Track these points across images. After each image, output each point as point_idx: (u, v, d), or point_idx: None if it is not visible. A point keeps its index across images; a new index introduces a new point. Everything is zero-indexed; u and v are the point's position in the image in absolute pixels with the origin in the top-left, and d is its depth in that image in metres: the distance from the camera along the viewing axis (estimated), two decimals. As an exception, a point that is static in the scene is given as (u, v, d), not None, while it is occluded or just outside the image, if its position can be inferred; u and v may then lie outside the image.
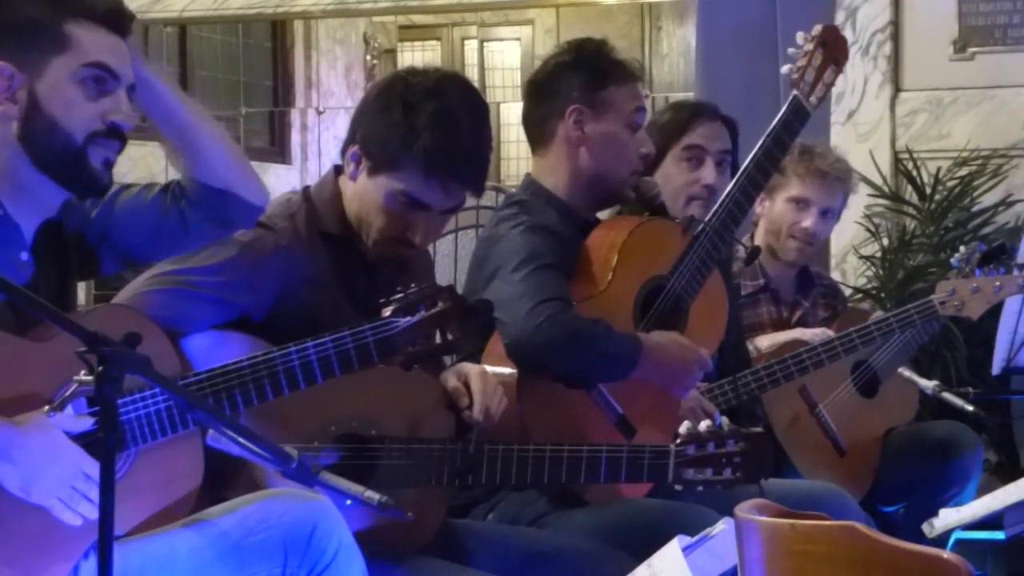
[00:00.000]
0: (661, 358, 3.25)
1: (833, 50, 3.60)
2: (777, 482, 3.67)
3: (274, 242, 2.86)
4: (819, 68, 3.57)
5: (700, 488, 3.01)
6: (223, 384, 2.54)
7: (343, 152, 3.00)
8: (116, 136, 2.53)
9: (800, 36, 3.60)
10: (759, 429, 3.05)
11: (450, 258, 5.95)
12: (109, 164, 2.54)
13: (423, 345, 2.67)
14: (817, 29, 3.62)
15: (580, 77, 3.42)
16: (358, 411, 2.79)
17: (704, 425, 3.00)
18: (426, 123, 2.89)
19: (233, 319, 2.82)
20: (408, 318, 2.65)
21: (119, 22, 2.56)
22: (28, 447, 2.31)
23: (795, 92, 3.54)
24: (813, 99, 3.56)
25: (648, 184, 3.45)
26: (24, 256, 2.53)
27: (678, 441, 2.98)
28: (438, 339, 2.68)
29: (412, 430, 2.85)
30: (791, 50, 3.59)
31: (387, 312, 2.66)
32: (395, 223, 2.93)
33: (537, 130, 3.48)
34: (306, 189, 3.03)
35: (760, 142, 3.51)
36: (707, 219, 3.45)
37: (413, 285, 2.70)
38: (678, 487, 3.00)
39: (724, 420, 3.02)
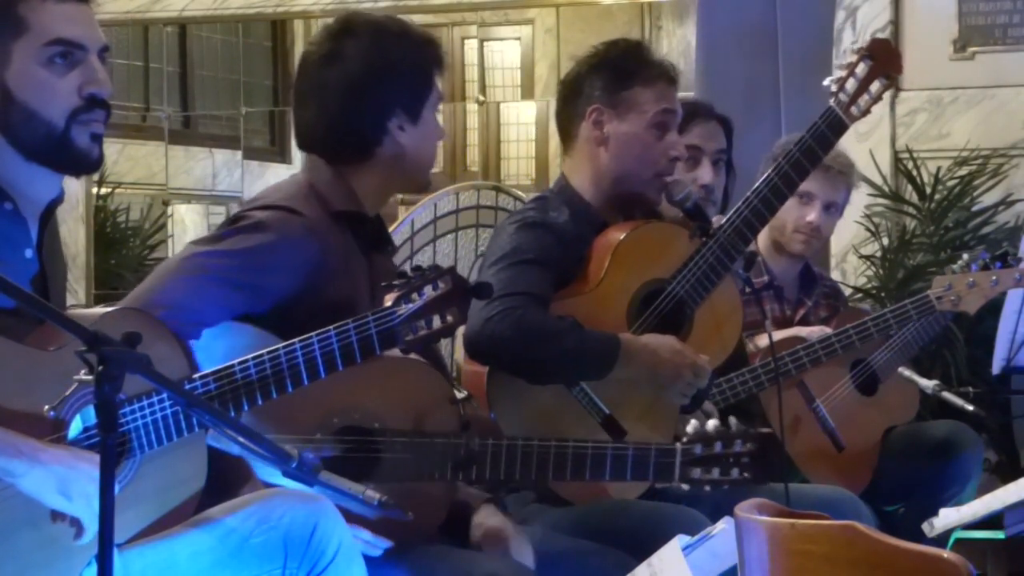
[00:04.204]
0: (648, 360, 3.23)
1: (882, 63, 3.52)
2: (790, 486, 3.67)
3: (302, 224, 2.84)
4: (863, 80, 3.49)
5: (707, 488, 2.98)
6: (228, 385, 2.53)
7: (357, 142, 2.96)
8: (98, 106, 2.48)
9: (850, 50, 3.54)
10: (768, 430, 3.03)
11: (450, 257, 5.95)
12: (96, 137, 2.49)
13: (423, 331, 2.66)
14: (866, 41, 3.58)
15: (603, 77, 3.43)
16: (360, 404, 2.79)
17: (712, 424, 2.98)
18: (419, 41, 3.00)
19: (263, 308, 2.79)
20: (410, 305, 2.64)
21: None
22: (51, 451, 2.29)
23: (831, 103, 3.48)
24: (855, 111, 3.48)
25: (678, 186, 3.43)
26: (29, 253, 2.51)
27: (685, 440, 2.97)
28: (438, 323, 2.67)
29: (415, 424, 2.84)
30: (836, 62, 3.55)
31: (390, 300, 2.65)
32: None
33: (564, 130, 3.50)
34: (302, 176, 3.00)
35: (787, 151, 3.48)
36: (719, 226, 3.42)
37: (417, 268, 2.69)
38: (684, 486, 2.98)
39: (733, 420, 3.01)
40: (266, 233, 2.81)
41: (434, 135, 3.04)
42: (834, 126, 3.48)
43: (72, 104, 2.46)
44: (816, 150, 3.47)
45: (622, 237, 3.35)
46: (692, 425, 2.99)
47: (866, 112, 3.52)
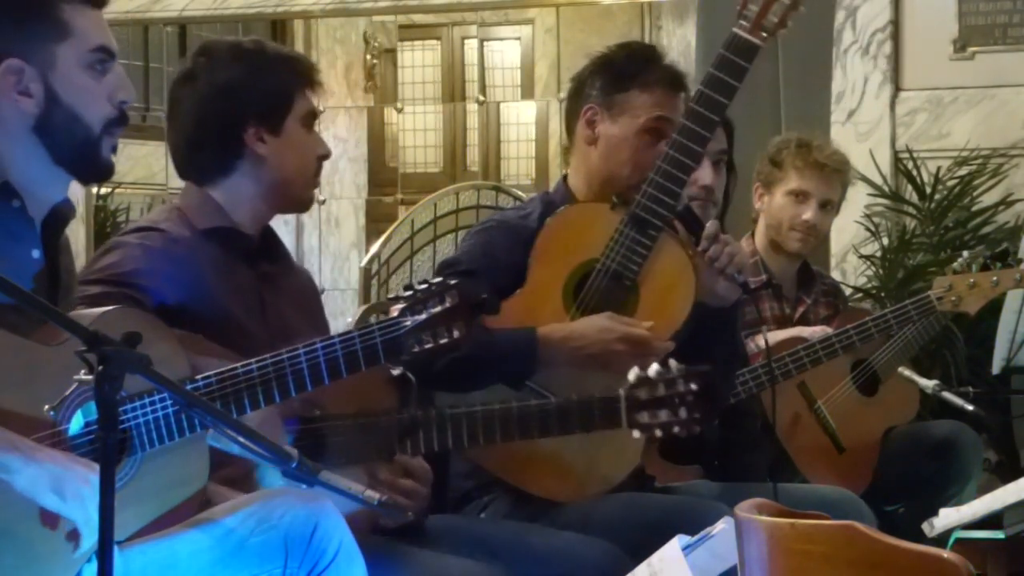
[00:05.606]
0: (574, 344, 3.19)
1: None
2: (792, 487, 3.66)
3: (162, 237, 2.91)
4: None
5: (658, 432, 2.96)
6: (231, 387, 2.53)
7: (213, 155, 3.00)
8: (126, 118, 2.55)
9: None
10: (707, 367, 3.00)
11: (450, 258, 5.95)
12: (115, 149, 2.56)
13: (429, 344, 2.67)
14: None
15: (603, 77, 3.40)
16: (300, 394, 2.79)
17: (653, 369, 2.96)
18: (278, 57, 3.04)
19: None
20: (415, 317, 2.65)
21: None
22: (48, 451, 2.30)
23: (733, 28, 3.21)
24: (767, 24, 3.21)
25: None
26: (36, 253, 2.52)
27: (627, 386, 2.95)
28: (444, 337, 2.68)
29: (356, 405, 2.84)
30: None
31: (395, 311, 2.66)
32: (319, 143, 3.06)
33: (567, 127, 3.49)
34: (170, 202, 3.09)
35: (696, 90, 3.26)
36: (641, 188, 3.26)
37: (424, 282, 2.70)
38: (635, 433, 2.96)
39: (672, 361, 2.98)
40: (125, 248, 2.90)
41: (306, 148, 3.03)
42: (739, 49, 3.21)
43: (107, 112, 2.52)
44: (724, 79, 3.21)
45: (542, 228, 3.32)
46: (634, 372, 2.97)
47: (782, 24, 3.24)
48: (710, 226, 3.33)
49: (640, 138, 3.35)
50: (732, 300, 3.38)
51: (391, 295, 2.71)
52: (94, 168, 2.56)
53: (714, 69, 3.22)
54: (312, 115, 3.05)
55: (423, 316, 2.64)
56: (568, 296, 3.29)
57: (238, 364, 2.55)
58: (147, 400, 2.43)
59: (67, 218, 2.62)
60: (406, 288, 2.70)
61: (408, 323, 2.64)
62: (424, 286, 2.68)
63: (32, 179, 2.51)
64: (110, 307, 2.51)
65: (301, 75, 3.04)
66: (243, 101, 2.98)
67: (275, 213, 3.09)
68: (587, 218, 3.34)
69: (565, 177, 3.50)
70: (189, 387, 2.48)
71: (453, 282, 2.68)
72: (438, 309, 2.65)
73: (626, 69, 3.40)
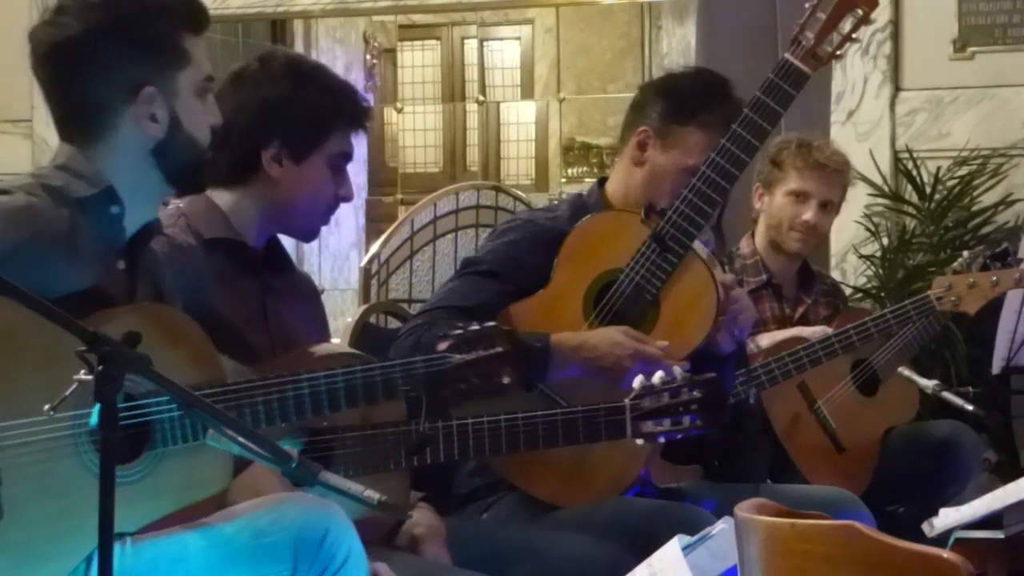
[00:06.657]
0: (586, 355, 3.17)
1: None
2: (792, 487, 3.65)
3: (167, 242, 2.88)
4: (827, 20, 3.18)
5: (662, 439, 2.97)
6: (262, 398, 2.55)
7: (228, 161, 2.94)
8: (215, 136, 2.65)
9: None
10: (712, 375, 3.00)
11: (450, 257, 5.96)
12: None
13: (474, 385, 2.68)
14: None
15: (665, 102, 3.37)
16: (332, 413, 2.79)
17: (657, 376, 2.96)
18: (330, 86, 2.98)
19: None
20: (462, 356, 2.66)
21: (207, 26, 2.65)
22: None
23: (786, 54, 3.21)
24: (821, 53, 3.20)
25: (703, 232, 3.37)
26: (121, 264, 2.57)
27: (632, 396, 2.95)
28: (490, 381, 2.69)
29: (364, 418, 2.84)
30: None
31: (443, 346, 2.66)
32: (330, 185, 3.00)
33: (621, 135, 3.46)
34: (176, 207, 3.05)
35: (741, 116, 3.23)
36: (671, 204, 3.26)
37: (476, 324, 2.71)
38: (639, 441, 2.96)
39: (676, 369, 2.98)
40: None
41: (324, 186, 2.98)
42: (788, 76, 3.20)
43: (208, 135, 2.62)
44: (771, 106, 3.20)
45: (569, 232, 3.31)
46: (638, 380, 2.97)
47: (834, 55, 3.22)
48: (725, 278, 3.31)
49: (685, 176, 3.28)
50: (726, 352, 3.37)
51: (440, 334, 2.72)
52: (198, 185, 2.71)
53: (761, 93, 3.21)
54: (344, 156, 2.98)
55: (470, 356, 2.66)
56: (589, 303, 3.28)
57: (271, 375, 2.57)
58: None
59: (153, 237, 2.68)
60: (456, 327, 2.72)
61: (455, 360, 2.65)
62: (475, 327, 2.69)
63: (136, 195, 2.58)
64: (135, 305, 2.53)
65: (346, 114, 2.98)
66: (273, 120, 2.94)
67: (278, 233, 3.06)
68: (617, 226, 3.32)
69: (601, 181, 3.48)
70: (218, 391, 2.49)
71: (506, 328, 2.70)
72: (486, 353, 2.67)
73: (690, 102, 3.35)
